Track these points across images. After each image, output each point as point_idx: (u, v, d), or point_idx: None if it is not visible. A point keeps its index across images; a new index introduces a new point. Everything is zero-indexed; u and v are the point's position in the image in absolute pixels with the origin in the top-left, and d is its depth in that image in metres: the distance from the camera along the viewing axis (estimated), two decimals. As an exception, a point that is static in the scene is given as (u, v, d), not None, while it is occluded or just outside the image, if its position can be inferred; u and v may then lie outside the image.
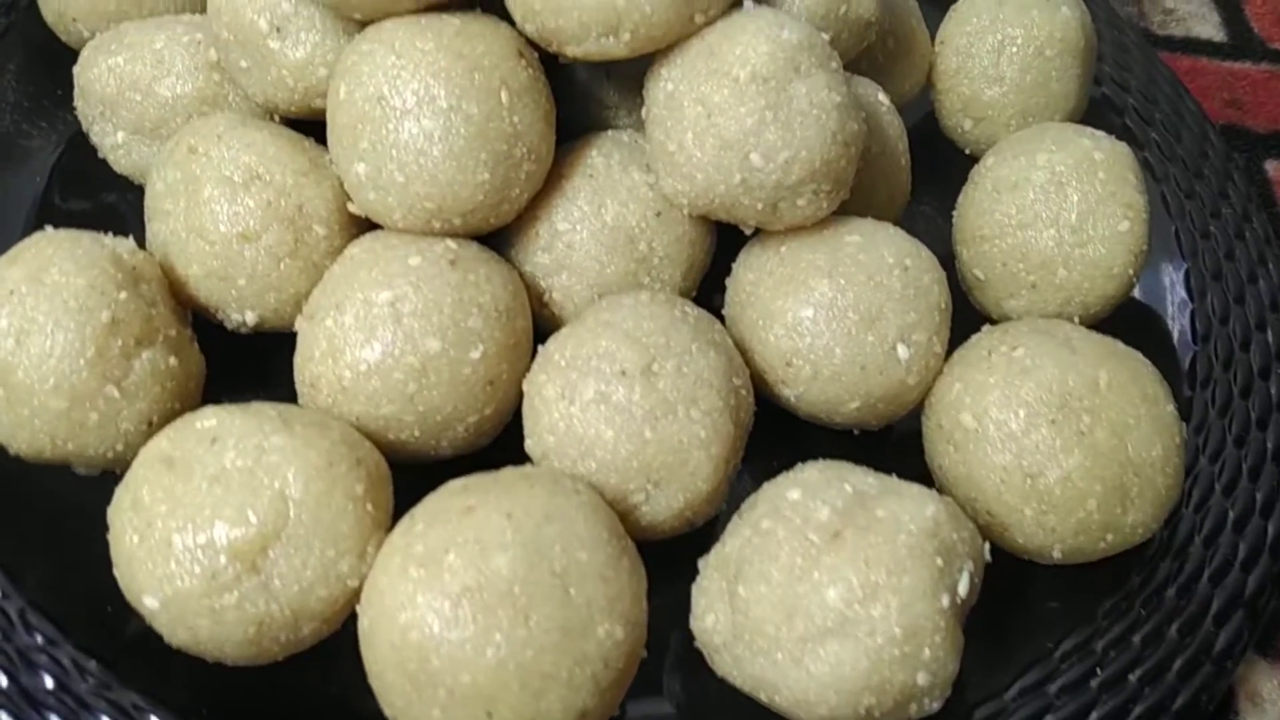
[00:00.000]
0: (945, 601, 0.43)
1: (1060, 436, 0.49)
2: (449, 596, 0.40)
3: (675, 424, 0.47)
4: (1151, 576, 0.53)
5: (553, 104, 0.53)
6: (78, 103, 0.61)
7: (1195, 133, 0.72)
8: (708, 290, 0.58)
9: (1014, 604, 0.52)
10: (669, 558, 0.48)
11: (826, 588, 0.42)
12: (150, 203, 0.55)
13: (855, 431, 0.55)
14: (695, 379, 0.48)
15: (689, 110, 0.51)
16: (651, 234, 0.55)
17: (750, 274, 0.55)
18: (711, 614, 0.46)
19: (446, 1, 0.51)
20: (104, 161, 0.62)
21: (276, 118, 0.58)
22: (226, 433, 0.45)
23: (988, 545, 0.47)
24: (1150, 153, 0.70)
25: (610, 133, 0.58)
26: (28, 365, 0.46)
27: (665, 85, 0.52)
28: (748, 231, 0.55)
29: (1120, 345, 0.53)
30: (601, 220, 0.54)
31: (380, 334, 0.48)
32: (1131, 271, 0.57)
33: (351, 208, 0.53)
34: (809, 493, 0.46)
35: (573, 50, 0.51)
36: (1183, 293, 0.64)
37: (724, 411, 0.49)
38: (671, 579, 0.47)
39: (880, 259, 0.53)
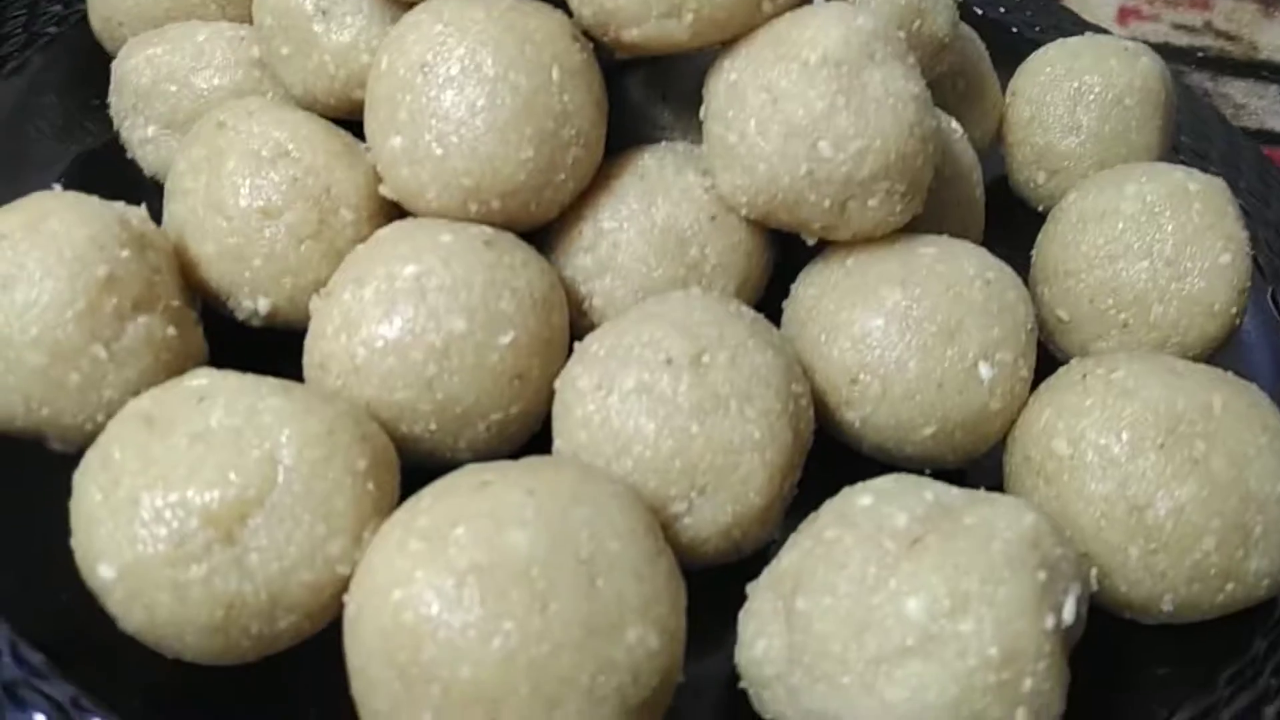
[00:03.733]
0: (1050, 623, 0.35)
1: (1171, 463, 0.42)
2: (454, 573, 0.34)
3: (726, 420, 0.42)
4: (1280, 642, 0.45)
5: (605, 94, 0.50)
6: (111, 98, 0.59)
7: (1284, 200, 0.67)
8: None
9: (1117, 671, 0.44)
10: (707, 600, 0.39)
11: (906, 598, 0.35)
12: (171, 183, 0.51)
13: (927, 472, 0.49)
14: (751, 374, 0.43)
15: (752, 98, 0.47)
16: (705, 239, 0.50)
17: (812, 289, 0.50)
18: (763, 639, 0.38)
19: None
20: (124, 176, 0.59)
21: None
22: (217, 391, 0.39)
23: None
24: (1238, 218, 0.65)
25: (664, 143, 0.54)
26: (9, 312, 0.42)
27: (728, 76, 0.48)
28: (810, 241, 0.50)
29: (1231, 375, 0.46)
30: (651, 219, 0.50)
31: (401, 308, 0.43)
32: (1234, 310, 0.51)
33: (383, 189, 0.49)
34: (883, 499, 0.39)
35: (630, 34, 0.48)
36: None
37: (781, 415, 0.43)
38: (710, 624, 0.39)
39: (960, 270, 0.48)
